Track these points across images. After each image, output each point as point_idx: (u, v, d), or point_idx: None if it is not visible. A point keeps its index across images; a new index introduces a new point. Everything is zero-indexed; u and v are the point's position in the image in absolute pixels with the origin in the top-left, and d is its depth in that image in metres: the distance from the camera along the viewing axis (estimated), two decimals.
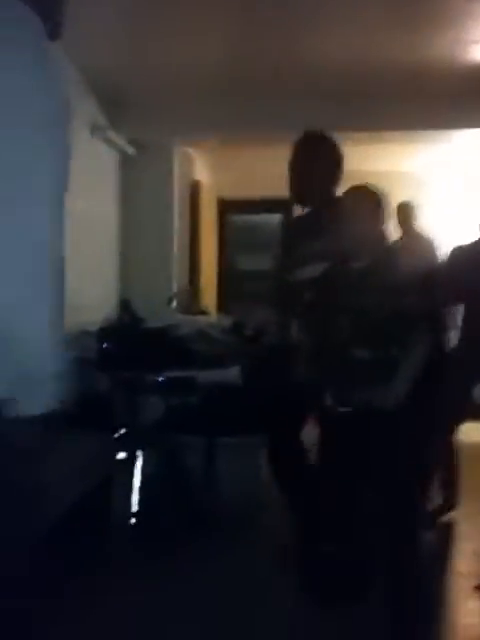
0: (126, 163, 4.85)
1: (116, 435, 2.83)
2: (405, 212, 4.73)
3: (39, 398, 1.07)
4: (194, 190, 5.48)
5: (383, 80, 4.11)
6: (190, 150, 5.43)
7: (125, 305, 3.37)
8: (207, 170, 6.10)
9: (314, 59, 3.84)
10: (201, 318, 3.71)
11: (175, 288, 4.85)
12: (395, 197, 4.55)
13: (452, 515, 2.82)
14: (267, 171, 6.04)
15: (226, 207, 6.34)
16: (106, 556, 2.57)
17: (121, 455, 2.74)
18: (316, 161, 2.43)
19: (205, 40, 3.67)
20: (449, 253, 3.06)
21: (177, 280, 5.00)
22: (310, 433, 2.43)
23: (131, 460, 2.77)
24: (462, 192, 5.85)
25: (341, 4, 3.16)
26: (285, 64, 3.94)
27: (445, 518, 2.81)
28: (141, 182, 4.85)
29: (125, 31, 3.57)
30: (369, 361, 1.95)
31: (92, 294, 3.79)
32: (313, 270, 2.42)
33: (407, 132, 4.60)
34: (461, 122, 4.43)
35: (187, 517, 2.81)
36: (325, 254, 2.40)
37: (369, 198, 2.10)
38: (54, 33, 1.08)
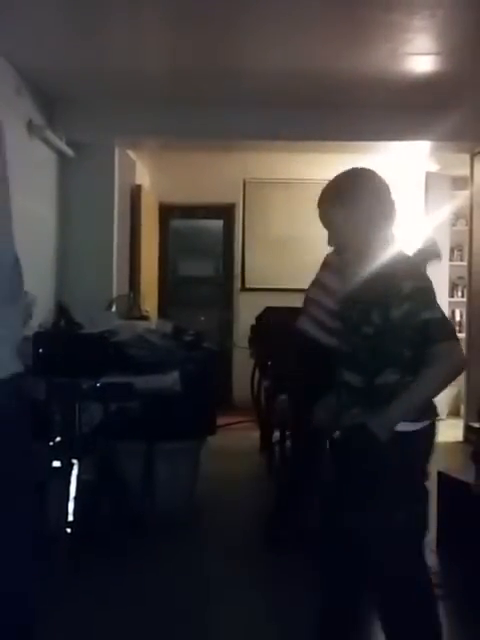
0: (65, 165, 4.76)
1: (51, 443, 2.76)
2: None
3: None
4: (135, 194, 5.43)
5: (322, 91, 4.19)
6: (131, 154, 5.38)
7: (62, 309, 3.30)
8: (148, 174, 6.06)
9: (255, 69, 3.89)
10: (141, 323, 3.66)
11: (115, 292, 4.78)
12: None
13: None
14: (209, 177, 6.07)
15: (168, 212, 6.31)
16: (41, 565, 2.50)
17: (56, 463, 2.67)
18: None
19: (147, 45, 3.66)
20: None
21: (117, 284, 4.93)
22: None
23: (67, 468, 2.70)
24: (399, 201, 6.02)
25: (282, 16, 3.21)
26: (227, 72, 3.97)
27: None
28: (81, 184, 4.77)
29: (65, 33, 3.51)
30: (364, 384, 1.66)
31: (28, 297, 3.69)
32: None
33: (344, 142, 4.71)
34: (397, 133, 4.57)
35: (125, 524, 2.78)
36: None
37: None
38: None
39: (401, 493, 1.65)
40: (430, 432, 1.71)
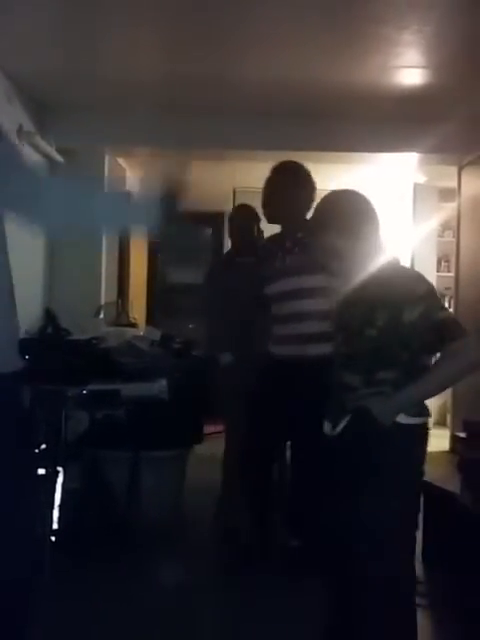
0: (55, 171, 4.74)
1: (37, 450, 2.73)
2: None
3: None
4: None
5: (312, 102, 4.22)
6: (121, 161, 5.38)
7: (49, 316, 3.28)
8: (138, 182, 6.06)
9: (246, 79, 3.91)
10: (129, 330, 3.66)
11: (103, 299, 4.77)
12: None
13: None
14: (198, 186, 6.06)
15: None
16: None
17: (41, 471, 2.65)
18: (294, 187, 2.69)
19: (139, 53, 3.67)
20: None
21: (105, 291, 4.92)
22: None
23: (52, 476, 2.68)
24: (387, 212, 6.07)
25: (276, 26, 3.23)
26: (218, 82, 3.99)
27: None
28: None
29: (56, 39, 3.51)
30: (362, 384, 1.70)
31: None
32: (282, 284, 2.65)
33: (334, 153, 4.74)
34: (385, 145, 4.61)
35: (110, 533, 2.76)
36: (296, 269, 2.60)
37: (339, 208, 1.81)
38: None
39: (396, 487, 1.64)
40: (427, 429, 1.75)
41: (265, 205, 2.77)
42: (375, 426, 1.63)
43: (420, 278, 1.75)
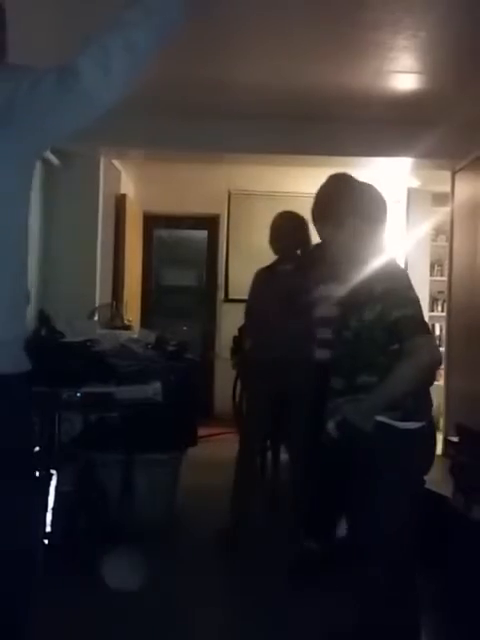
0: (50, 173, 4.74)
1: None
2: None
3: None
4: (119, 203, 5.43)
5: (308, 106, 4.24)
6: (116, 163, 5.39)
7: (44, 317, 3.28)
8: (133, 184, 6.07)
9: (242, 82, 3.92)
10: (123, 332, 3.66)
11: (98, 301, 4.76)
12: None
13: None
14: (194, 188, 6.09)
15: (152, 221, 6.32)
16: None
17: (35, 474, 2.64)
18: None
19: None
20: None
21: (100, 293, 4.92)
22: None
23: (46, 479, 2.68)
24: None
25: (270, 30, 3.24)
26: (214, 85, 4.00)
27: None
28: (65, 193, 4.75)
29: (51, 40, 3.51)
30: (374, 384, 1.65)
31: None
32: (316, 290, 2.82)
33: (328, 157, 4.76)
34: (380, 149, 4.63)
35: (103, 536, 2.75)
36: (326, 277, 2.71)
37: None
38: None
39: (386, 490, 1.61)
40: (423, 433, 1.69)
41: (313, 211, 2.82)
42: (355, 432, 1.62)
43: (385, 277, 1.68)
